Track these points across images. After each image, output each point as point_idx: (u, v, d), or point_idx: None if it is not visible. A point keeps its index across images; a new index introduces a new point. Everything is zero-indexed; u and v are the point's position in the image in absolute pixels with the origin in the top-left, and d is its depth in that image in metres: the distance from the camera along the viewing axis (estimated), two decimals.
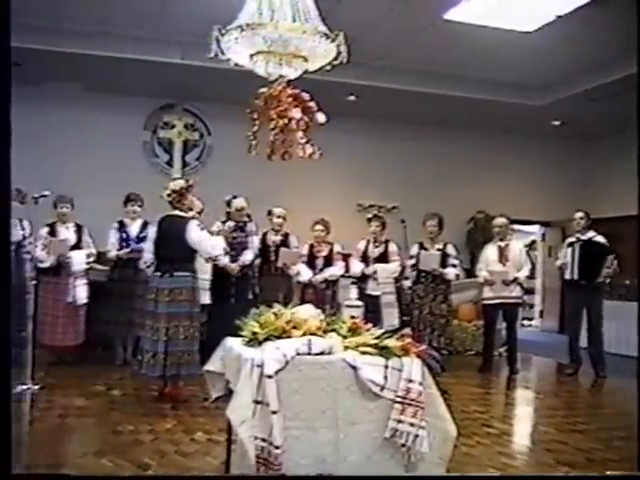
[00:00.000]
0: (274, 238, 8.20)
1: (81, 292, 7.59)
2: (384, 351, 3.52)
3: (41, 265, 7.43)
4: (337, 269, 8.22)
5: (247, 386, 3.29)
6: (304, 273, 8.08)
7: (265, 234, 8.23)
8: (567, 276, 8.46)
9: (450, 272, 8.26)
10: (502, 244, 8.53)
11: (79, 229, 7.84)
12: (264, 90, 4.34)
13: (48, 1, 7.65)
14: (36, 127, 9.84)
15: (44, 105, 9.96)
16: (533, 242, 14.25)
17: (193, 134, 11.20)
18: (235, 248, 7.56)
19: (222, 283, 7.54)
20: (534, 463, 4.81)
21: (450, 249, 8.41)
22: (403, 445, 3.42)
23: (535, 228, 13.88)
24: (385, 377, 3.45)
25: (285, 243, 8.18)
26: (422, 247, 8.39)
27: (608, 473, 4.40)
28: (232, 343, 3.82)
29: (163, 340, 5.90)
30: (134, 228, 7.91)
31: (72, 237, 7.74)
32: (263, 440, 3.21)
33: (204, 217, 6.93)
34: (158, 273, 6.09)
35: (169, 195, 6.18)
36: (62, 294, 7.56)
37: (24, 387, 6.19)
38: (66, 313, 7.58)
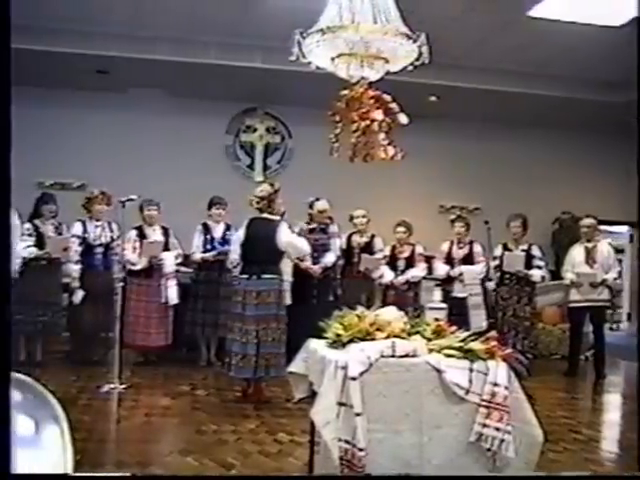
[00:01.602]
0: (359, 240, 8.19)
1: (172, 293, 7.69)
2: (469, 354, 3.48)
3: (133, 268, 7.61)
4: (419, 270, 8.16)
5: (331, 388, 3.30)
6: (386, 275, 8.06)
7: (351, 235, 8.24)
8: None
9: (535, 274, 8.09)
10: (589, 245, 8.31)
11: (165, 231, 7.96)
12: (345, 92, 4.32)
13: (133, 9, 7.85)
14: (121, 133, 10.13)
15: (129, 111, 10.23)
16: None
17: (274, 137, 11.31)
18: (317, 250, 7.59)
19: (303, 284, 7.58)
20: (623, 470, 4.68)
21: (535, 250, 8.24)
22: (488, 450, 3.37)
23: (623, 229, 13.48)
24: (470, 380, 3.41)
25: (370, 245, 8.17)
26: (506, 248, 8.24)
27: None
28: (315, 345, 3.83)
29: (254, 342, 5.93)
30: (218, 231, 8.01)
31: (160, 239, 7.87)
32: (347, 442, 3.21)
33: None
34: (245, 275, 6.14)
35: (258, 202, 6.24)
36: (154, 295, 7.68)
37: (111, 386, 6.36)
38: (158, 314, 7.71)
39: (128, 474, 4.16)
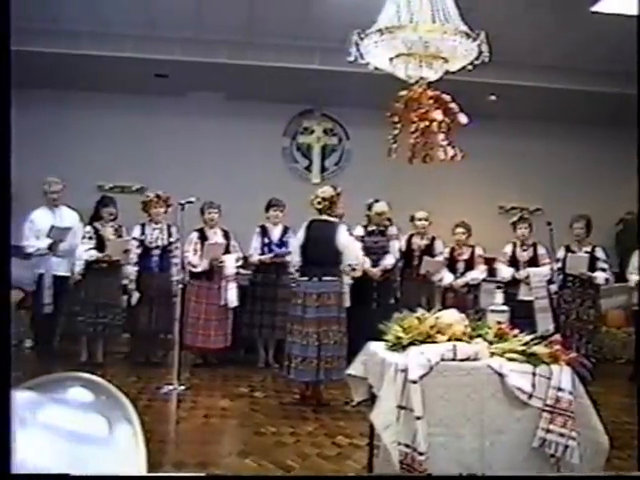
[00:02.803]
0: (420, 242, 8.13)
1: (232, 295, 7.70)
2: (532, 358, 3.42)
3: (194, 270, 7.67)
4: (479, 273, 8.04)
5: (391, 391, 3.27)
6: (446, 277, 7.97)
7: (410, 237, 8.18)
8: None
9: (599, 276, 7.90)
10: None
11: (226, 234, 7.97)
12: (404, 93, 4.28)
13: (193, 13, 7.93)
14: (180, 136, 10.23)
15: (188, 115, 10.33)
16: None
17: (332, 139, 11.29)
18: (376, 252, 7.55)
19: (363, 287, 7.54)
20: None
21: (599, 252, 8.06)
22: (552, 456, 3.31)
23: None
24: (533, 385, 3.34)
25: (431, 248, 8.11)
26: (569, 250, 8.07)
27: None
28: (375, 347, 3.80)
29: (315, 345, 5.89)
30: (276, 233, 8.02)
31: (222, 241, 7.88)
32: (407, 446, 3.18)
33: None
34: (305, 277, 6.10)
35: (319, 203, 6.23)
36: (215, 298, 7.70)
37: (171, 387, 6.41)
38: (218, 317, 7.72)
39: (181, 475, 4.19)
